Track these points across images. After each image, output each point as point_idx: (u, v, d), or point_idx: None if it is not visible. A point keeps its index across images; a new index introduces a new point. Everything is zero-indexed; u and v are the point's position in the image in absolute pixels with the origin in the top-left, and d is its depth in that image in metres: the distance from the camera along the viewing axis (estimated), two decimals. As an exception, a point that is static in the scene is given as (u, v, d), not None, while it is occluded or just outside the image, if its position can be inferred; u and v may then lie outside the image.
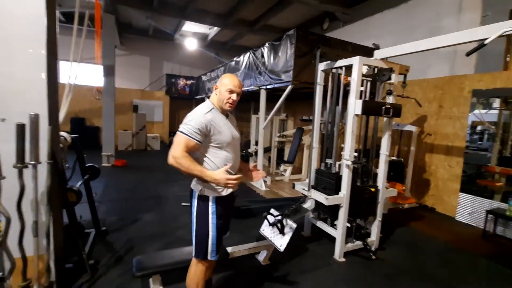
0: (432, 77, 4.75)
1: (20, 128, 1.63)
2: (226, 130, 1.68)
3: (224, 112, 1.74)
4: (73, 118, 8.94)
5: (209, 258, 1.70)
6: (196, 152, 1.65)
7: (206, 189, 1.65)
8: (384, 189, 2.98)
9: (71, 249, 2.34)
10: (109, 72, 6.76)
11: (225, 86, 1.67)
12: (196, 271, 1.76)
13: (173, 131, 11.22)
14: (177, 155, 1.55)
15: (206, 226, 1.67)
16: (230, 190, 1.69)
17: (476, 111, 4.19)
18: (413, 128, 4.56)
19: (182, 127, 1.58)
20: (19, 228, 1.71)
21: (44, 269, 1.88)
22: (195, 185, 1.72)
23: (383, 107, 2.67)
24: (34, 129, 1.70)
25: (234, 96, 1.68)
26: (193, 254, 1.74)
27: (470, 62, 4.40)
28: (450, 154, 4.43)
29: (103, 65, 6.65)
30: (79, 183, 2.77)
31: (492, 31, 1.87)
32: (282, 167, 6.44)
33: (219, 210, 1.69)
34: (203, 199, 1.67)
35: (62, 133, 2.42)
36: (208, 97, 1.80)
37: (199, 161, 1.65)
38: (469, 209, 4.09)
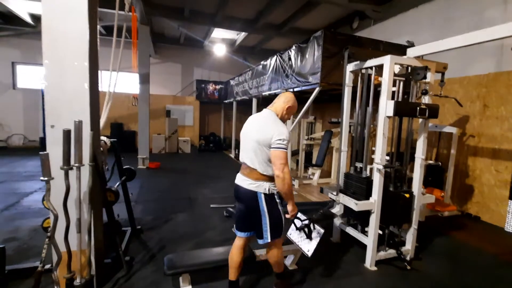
0: (475, 74, 4.38)
1: (66, 134, 1.79)
2: None
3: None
4: (113, 124, 9.62)
5: (283, 235, 2.10)
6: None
7: (271, 188, 1.99)
8: (420, 195, 2.80)
9: (109, 245, 2.52)
10: (144, 79, 7.18)
11: (292, 102, 2.10)
12: (278, 249, 2.14)
13: (203, 134, 11.57)
14: (286, 170, 1.88)
15: (278, 213, 2.02)
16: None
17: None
18: (453, 130, 4.23)
19: (283, 144, 1.86)
20: (65, 224, 1.88)
21: (86, 263, 2.04)
22: (258, 187, 1.97)
23: (418, 108, 2.52)
24: (78, 134, 1.87)
25: (292, 111, 2.14)
26: (269, 239, 2.02)
27: (520, 56, 3.99)
28: (497, 158, 4.04)
29: (139, 73, 7.09)
30: (117, 184, 2.97)
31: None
32: (310, 170, 6.33)
33: (281, 198, 2.06)
34: (271, 196, 1.99)
35: (102, 137, 2.62)
36: (264, 107, 2.17)
37: (269, 165, 1.96)
38: (521, 219, 3.68)
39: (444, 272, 2.72)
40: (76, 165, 1.89)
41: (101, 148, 2.52)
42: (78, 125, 1.87)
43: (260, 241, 2.05)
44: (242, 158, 2.06)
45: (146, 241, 3.07)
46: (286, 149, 1.88)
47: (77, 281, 1.98)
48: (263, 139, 1.91)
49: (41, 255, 1.83)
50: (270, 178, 1.96)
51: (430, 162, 4.35)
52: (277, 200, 2.02)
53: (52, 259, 2.21)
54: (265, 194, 1.95)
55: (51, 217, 1.84)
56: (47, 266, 2.29)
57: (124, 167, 3.12)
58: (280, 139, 1.85)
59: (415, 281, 2.53)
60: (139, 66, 6.99)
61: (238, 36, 10.13)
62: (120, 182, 3.02)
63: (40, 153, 1.72)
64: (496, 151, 4.05)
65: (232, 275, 2.15)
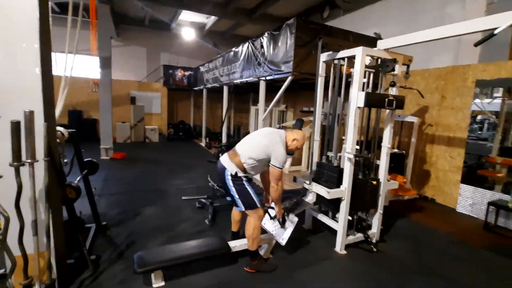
0: (435, 67, 4.68)
1: (15, 126, 1.58)
2: None
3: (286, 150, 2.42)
4: (71, 111, 8.85)
5: (258, 206, 2.37)
6: (261, 164, 2.39)
7: (238, 172, 2.35)
8: (385, 181, 2.97)
9: (72, 245, 2.33)
10: (105, 63, 6.63)
11: (301, 143, 2.48)
12: (253, 221, 2.38)
13: (171, 122, 11.14)
14: (281, 184, 2.36)
15: (247, 191, 2.36)
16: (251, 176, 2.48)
17: (477, 101, 4.14)
18: (414, 119, 4.52)
19: (280, 163, 2.29)
20: (19, 227, 1.68)
21: (45, 267, 1.87)
22: (229, 166, 2.36)
23: (386, 99, 2.61)
24: (29, 126, 1.65)
25: (299, 148, 2.52)
26: (243, 209, 2.40)
27: (474, 52, 4.32)
28: (451, 145, 4.41)
29: (99, 56, 6.51)
30: (78, 178, 2.74)
31: (502, 21, 1.81)
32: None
33: (248, 179, 2.43)
34: (236, 176, 2.34)
35: (59, 128, 2.37)
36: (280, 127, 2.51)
37: (257, 168, 2.41)
38: (470, 200, 4.10)
39: (406, 252, 2.95)
40: (29, 161, 1.68)
41: (58, 140, 2.28)
42: (29, 115, 1.65)
43: (238, 209, 2.53)
44: (239, 144, 2.47)
45: (113, 238, 2.91)
46: (282, 169, 2.30)
47: (36, 287, 1.81)
48: (264, 143, 2.34)
49: (-10, 261, 1.63)
50: (241, 167, 2.35)
51: (395, 150, 4.62)
52: (244, 180, 2.36)
53: (5, 264, 2.01)
54: (231, 174, 2.33)
55: (1, 220, 1.63)
56: (1, 271, 2.08)
57: (85, 159, 2.88)
58: (279, 160, 2.28)
59: (380, 262, 2.71)
60: (99, 48, 6.42)
61: (208, 20, 9.73)
62: (81, 176, 2.78)
63: (-17, 148, 1.50)
64: (451, 139, 4.41)
65: (234, 227, 2.79)
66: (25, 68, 1.81)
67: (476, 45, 1.88)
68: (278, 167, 2.28)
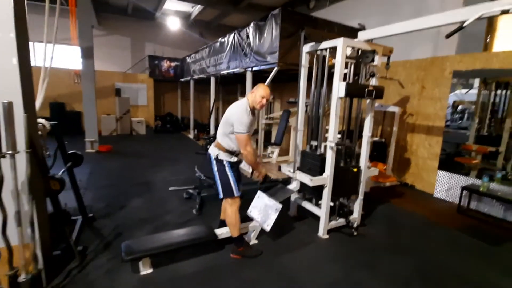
0: (416, 58, 4.81)
1: (-7, 117, 1.56)
2: (252, 124, 2.40)
3: (253, 111, 2.42)
4: (52, 104, 8.57)
5: (235, 194, 2.44)
6: (232, 136, 2.35)
7: (220, 155, 2.41)
8: (366, 169, 3.09)
9: (58, 236, 2.34)
10: (87, 53, 6.43)
11: (259, 93, 2.36)
12: (230, 209, 2.47)
13: (158, 114, 10.99)
14: (250, 149, 2.32)
15: (226, 177, 2.43)
16: (236, 159, 2.49)
17: (457, 91, 4.32)
18: (395, 109, 4.67)
19: (241, 128, 2.25)
20: (1, 219, 1.69)
21: (30, 258, 1.88)
22: (213, 151, 2.45)
23: (366, 89, 2.70)
24: (8, 118, 1.64)
25: (264, 101, 2.37)
26: (221, 196, 2.47)
27: (453, 43, 4.47)
28: (430, 134, 4.59)
29: (80, 46, 6.31)
30: (62, 170, 2.72)
31: (471, 13, 1.90)
32: (270, 149, 6.50)
33: (232, 166, 2.46)
34: (220, 161, 2.42)
35: (40, 120, 2.34)
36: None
37: (232, 141, 2.37)
38: (446, 186, 4.32)
39: (384, 234, 3.11)
40: (10, 152, 1.67)
41: (40, 132, 2.25)
42: (8, 106, 1.63)
43: (219, 197, 2.52)
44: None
45: (100, 229, 2.92)
46: (246, 132, 2.26)
47: (22, 277, 1.83)
48: (226, 116, 2.36)
49: (-27, 253, 1.63)
50: (222, 148, 2.41)
51: (376, 139, 4.77)
52: (226, 165, 2.42)
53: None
54: (215, 158, 2.42)
55: (-18, 212, 1.63)
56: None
57: (69, 152, 2.86)
58: (240, 125, 2.25)
59: (360, 244, 2.85)
60: (80, 38, 6.20)
61: (194, 9, 9.54)
62: (65, 168, 2.76)
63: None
64: (430, 127, 4.60)
65: (222, 215, 2.81)
66: (2, 58, 1.78)
67: (447, 36, 1.97)
68: (241, 132, 2.25)
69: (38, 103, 2.45)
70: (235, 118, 2.28)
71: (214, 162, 2.44)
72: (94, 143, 6.69)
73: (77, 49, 6.36)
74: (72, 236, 2.35)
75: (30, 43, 2.07)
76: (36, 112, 2.16)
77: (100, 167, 5.40)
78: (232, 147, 2.40)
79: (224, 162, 2.42)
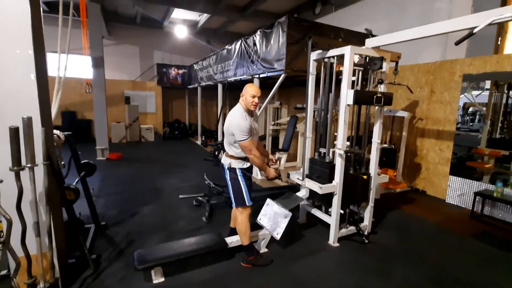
0: (424, 62, 4.77)
1: (14, 132, 1.63)
2: (252, 127, 2.40)
3: (250, 112, 2.44)
4: (64, 112, 8.80)
5: (247, 204, 2.45)
6: (236, 145, 2.37)
7: (232, 163, 2.43)
8: (376, 176, 3.07)
9: (73, 245, 2.39)
10: (98, 63, 6.60)
11: (249, 93, 2.35)
12: (241, 217, 2.49)
13: (167, 121, 11.14)
14: (255, 153, 2.36)
15: (239, 185, 2.44)
16: (249, 164, 2.49)
17: (467, 94, 4.25)
18: (405, 114, 4.62)
19: (241, 136, 2.27)
20: (21, 229, 1.74)
21: (48, 266, 1.93)
22: (225, 161, 2.49)
23: (375, 97, 2.70)
24: (28, 132, 1.70)
25: (256, 100, 2.36)
26: (234, 205, 2.50)
27: (462, 46, 4.41)
28: (440, 138, 4.53)
29: (91, 56, 6.48)
30: (76, 180, 2.79)
31: (482, 19, 1.89)
32: (277, 155, 6.51)
33: (244, 174, 2.48)
34: (233, 170, 2.44)
35: (55, 131, 2.41)
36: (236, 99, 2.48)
37: (238, 148, 2.38)
38: (459, 191, 4.24)
39: (396, 242, 3.07)
40: (29, 165, 1.73)
41: (55, 143, 2.33)
42: (28, 121, 1.70)
43: (233, 206, 2.54)
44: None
45: (113, 237, 2.97)
46: (247, 138, 2.29)
47: (41, 286, 1.88)
48: (226, 127, 2.38)
49: (-6, 263, 1.69)
50: (232, 156, 2.44)
51: (385, 145, 4.73)
52: (239, 174, 2.44)
53: (8, 265, 2.07)
54: (228, 167, 2.45)
55: (3, 222, 1.69)
56: (3, 272, 2.14)
57: (82, 161, 2.93)
58: (240, 134, 2.27)
59: (372, 252, 2.82)
60: (91, 48, 6.39)
61: (201, 17, 9.69)
62: (79, 178, 2.83)
63: (-16, 154, 1.55)
64: (440, 132, 4.54)
65: (232, 223, 2.83)
66: (20, 74, 1.85)
67: (457, 43, 1.97)
68: (242, 139, 2.27)
69: (52, 113, 2.53)
70: (234, 127, 2.29)
71: (227, 172, 2.47)
72: (105, 151, 6.82)
73: (88, 59, 6.54)
74: (86, 245, 2.40)
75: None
76: (52, 124, 2.23)
77: (111, 174, 5.49)
78: (240, 154, 2.42)
79: (237, 170, 2.44)
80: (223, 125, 2.59)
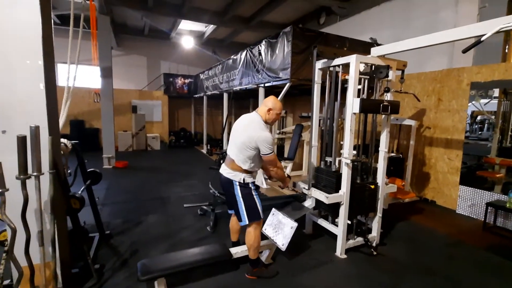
0: (430, 70, 4.74)
1: (21, 140, 1.64)
2: None
3: (266, 125, 2.39)
4: (72, 121, 8.94)
5: (261, 217, 2.40)
6: (256, 159, 2.32)
7: (246, 178, 2.33)
8: (383, 185, 3.01)
9: (76, 254, 2.38)
10: (106, 73, 6.74)
11: (277, 109, 2.37)
12: (254, 232, 2.39)
13: (173, 130, 11.23)
14: (280, 165, 2.45)
15: (253, 199, 2.36)
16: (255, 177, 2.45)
17: (475, 102, 4.19)
18: (412, 122, 4.57)
19: (269, 149, 2.24)
20: (25, 238, 1.74)
21: (51, 276, 1.92)
22: (234, 176, 2.34)
23: (381, 105, 2.67)
24: (35, 141, 1.72)
25: (279, 117, 2.44)
26: (247, 221, 2.36)
27: (468, 55, 4.38)
28: (449, 147, 4.44)
29: (100, 66, 6.63)
30: (82, 189, 2.79)
31: (489, 28, 1.87)
32: (283, 163, 6.46)
33: (256, 188, 2.44)
34: (245, 185, 2.34)
35: (62, 140, 2.44)
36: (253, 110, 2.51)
37: (255, 163, 2.34)
38: (469, 202, 4.12)
39: (406, 254, 2.97)
40: (35, 174, 1.74)
41: (62, 152, 2.34)
42: (35, 130, 1.72)
43: (241, 223, 2.41)
44: (228, 150, 2.43)
45: (117, 246, 2.95)
46: (273, 151, 2.27)
47: (42, 296, 1.86)
48: (246, 141, 2.24)
49: (-2, 272, 1.68)
50: (245, 171, 2.32)
51: (393, 154, 4.66)
52: (252, 189, 2.36)
53: (11, 275, 2.06)
54: (239, 183, 2.32)
55: (8, 231, 1.69)
56: (6, 282, 2.12)
57: (88, 170, 2.94)
58: (268, 147, 2.22)
59: (380, 265, 2.73)
60: (100, 59, 6.53)
61: (207, 28, 9.88)
62: (84, 187, 2.84)
63: (-9, 162, 1.56)
64: (449, 141, 4.46)
65: (233, 237, 2.78)
66: (30, 84, 1.89)
67: (464, 51, 1.94)
68: (268, 153, 2.23)
69: (60, 122, 2.56)
70: (261, 141, 2.19)
71: (238, 188, 2.33)
72: (111, 159, 6.88)
73: (97, 69, 6.68)
74: (90, 254, 2.38)
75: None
76: (59, 133, 2.25)
77: (117, 182, 5.51)
78: (253, 168, 2.35)
79: (250, 185, 2.35)
80: (228, 134, 2.60)
